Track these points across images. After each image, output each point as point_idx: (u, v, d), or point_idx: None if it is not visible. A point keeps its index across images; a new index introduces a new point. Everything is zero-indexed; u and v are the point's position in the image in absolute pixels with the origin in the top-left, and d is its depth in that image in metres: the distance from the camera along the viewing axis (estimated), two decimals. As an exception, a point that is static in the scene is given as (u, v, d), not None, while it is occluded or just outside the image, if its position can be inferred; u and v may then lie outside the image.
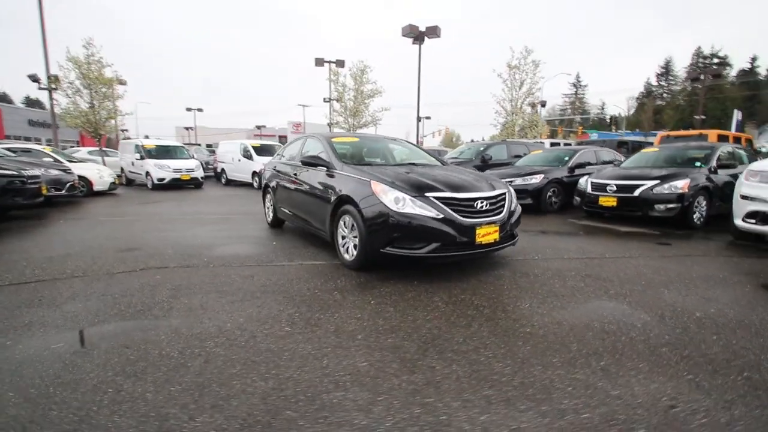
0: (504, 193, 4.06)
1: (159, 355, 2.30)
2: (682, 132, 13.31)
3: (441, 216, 3.54)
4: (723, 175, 6.94)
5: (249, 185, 14.78)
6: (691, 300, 3.25)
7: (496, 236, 3.78)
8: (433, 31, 17.36)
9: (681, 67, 68.37)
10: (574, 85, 78.37)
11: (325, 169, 4.58)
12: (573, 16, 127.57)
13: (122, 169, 15.71)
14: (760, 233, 5.06)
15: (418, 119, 19.16)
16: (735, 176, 7.28)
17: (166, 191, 12.82)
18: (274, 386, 1.99)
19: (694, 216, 6.49)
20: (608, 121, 62.28)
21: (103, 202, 10.06)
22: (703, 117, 28.74)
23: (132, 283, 3.58)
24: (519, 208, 4.28)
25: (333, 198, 4.25)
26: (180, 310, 2.98)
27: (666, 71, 69.39)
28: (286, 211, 5.71)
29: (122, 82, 18.14)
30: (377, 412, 1.79)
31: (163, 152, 14.56)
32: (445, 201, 3.64)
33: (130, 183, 15.41)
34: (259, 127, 52.24)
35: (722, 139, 10.81)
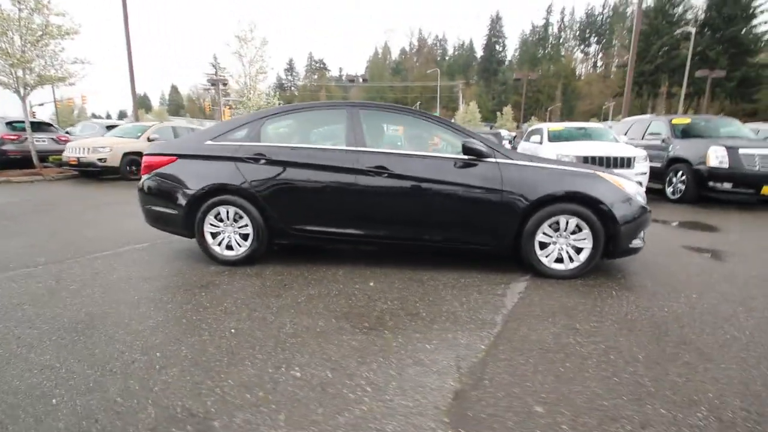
0: None
1: None
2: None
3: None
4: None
5: None
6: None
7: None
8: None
9: (301, 66, 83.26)
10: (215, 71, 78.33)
11: (473, 158, 3.31)
12: None
13: None
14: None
15: (132, 81, 13.62)
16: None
17: None
18: None
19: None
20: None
21: None
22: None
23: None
24: None
25: (527, 198, 3.22)
26: None
27: (291, 68, 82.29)
28: (330, 229, 3.44)
29: None
30: None
31: None
32: None
33: None
34: None
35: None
